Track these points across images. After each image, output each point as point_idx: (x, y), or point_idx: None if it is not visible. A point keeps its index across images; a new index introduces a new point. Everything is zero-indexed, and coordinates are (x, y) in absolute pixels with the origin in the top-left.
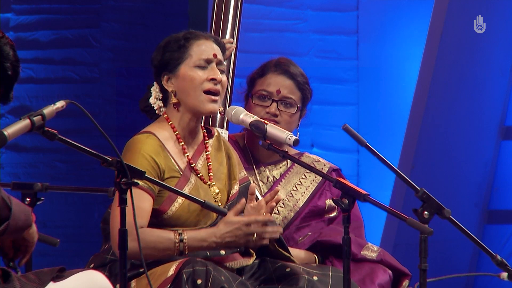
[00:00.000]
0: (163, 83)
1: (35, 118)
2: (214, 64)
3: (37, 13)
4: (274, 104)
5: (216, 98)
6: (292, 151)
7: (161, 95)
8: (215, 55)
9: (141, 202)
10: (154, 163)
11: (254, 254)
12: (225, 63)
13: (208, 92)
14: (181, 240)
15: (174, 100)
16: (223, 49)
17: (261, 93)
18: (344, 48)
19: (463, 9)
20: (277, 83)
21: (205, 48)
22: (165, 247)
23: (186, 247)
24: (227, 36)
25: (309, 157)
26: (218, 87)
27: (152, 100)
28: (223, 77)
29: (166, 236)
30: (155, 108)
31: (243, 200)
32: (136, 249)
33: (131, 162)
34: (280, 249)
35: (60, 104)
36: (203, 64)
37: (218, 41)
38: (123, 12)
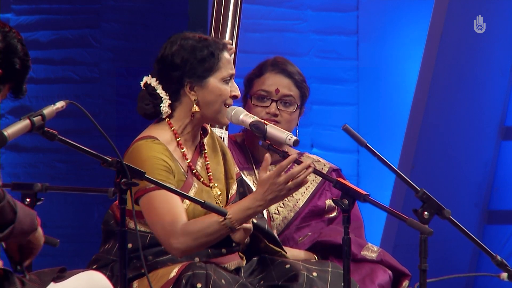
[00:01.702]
0: (186, 90)
1: (35, 119)
2: (233, 79)
3: (37, 13)
4: (274, 104)
5: None
6: (292, 151)
7: (170, 101)
8: (233, 72)
9: (172, 200)
10: (168, 168)
11: (244, 258)
12: None
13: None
14: (225, 218)
15: (196, 109)
16: None
17: (260, 93)
18: (344, 48)
19: (463, 9)
20: (275, 82)
21: (229, 61)
22: (214, 230)
23: (234, 221)
24: (227, 36)
25: (309, 157)
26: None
27: (164, 108)
28: None
29: (210, 220)
30: (164, 115)
31: (268, 155)
32: (187, 245)
33: (145, 168)
34: (271, 245)
35: (60, 104)
36: (229, 79)
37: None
38: (123, 12)
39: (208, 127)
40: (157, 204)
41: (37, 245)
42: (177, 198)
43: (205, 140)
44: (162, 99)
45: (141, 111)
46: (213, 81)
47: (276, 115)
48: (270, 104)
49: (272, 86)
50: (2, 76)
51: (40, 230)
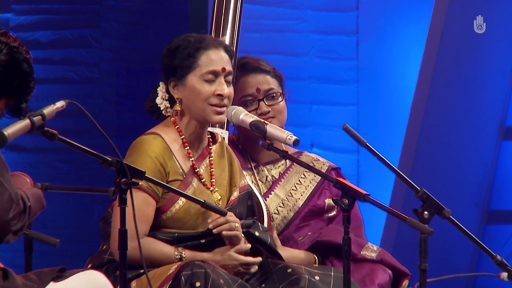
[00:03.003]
0: (169, 89)
1: (35, 118)
2: (222, 78)
3: (37, 13)
4: (262, 103)
5: (222, 110)
6: (291, 150)
7: (167, 95)
8: (223, 69)
9: (145, 207)
10: (160, 166)
11: None
12: (232, 72)
13: (214, 105)
14: (180, 259)
15: (178, 107)
16: (232, 57)
17: (244, 99)
18: (344, 48)
19: (463, 9)
20: (252, 83)
21: (214, 60)
22: (163, 261)
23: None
24: (227, 36)
25: (308, 156)
26: (225, 102)
27: (158, 100)
28: (231, 90)
29: (166, 252)
30: (161, 109)
31: (248, 245)
32: (132, 256)
33: (138, 162)
34: (271, 256)
35: (60, 104)
36: (211, 78)
37: (228, 49)
38: (123, 12)
39: (219, 136)
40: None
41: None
42: (149, 206)
43: (214, 147)
44: (158, 93)
45: (145, 106)
46: (192, 79)
47: (268, 112)
48: (258, 105)
49: (251, 87)
50: None
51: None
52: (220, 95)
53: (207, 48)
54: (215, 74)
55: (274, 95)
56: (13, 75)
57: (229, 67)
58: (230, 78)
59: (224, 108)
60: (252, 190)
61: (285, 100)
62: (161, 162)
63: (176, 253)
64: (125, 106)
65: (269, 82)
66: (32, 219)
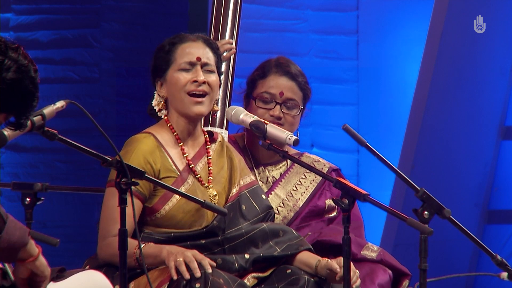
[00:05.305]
0: (157, 90)
1: (35, 118)
2: (198, 66)
3: (37, 13)
4: (278, 107)
5: (201, 99)
6: (292, 151)
7: (161, 99)
8: (198, 58)
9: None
10: (146, 163)
11: None
12: (212, 62)
13: (192, 94)
14: (138, 258)
15: (161, 105)
16: (214, 49)
17: (264, 95)
18: (344, 48)
19: (463, 9)
20: (279, 85)
21: (189, 51)
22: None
23: (141, 260)
24: (227, 36)
25: (309, 157)
26: (203, 88)
27: (154, 102)
28: (211, 77)
29: (131, 250)
30: (156, 110)
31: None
32: (107, 256)
33: (124, 160)
34: None
35: (60, 104)
36: (187, 67)
37: (208, 41)
38: (123, 12)
39: (219, 135)
40: (113, 202)
41: (43, 276)
42: (129, 205)
43: (213, 146)
44: (154, 95)
45: (147, 111)
46: (171, 72)
47: (280, 118)
48: (274, 107)
49: (276, 88)
50: None
51: (43, 260)
52: (195, 81)
53: (182, 42)
54: (191, 64)
55: (293, 106)
56: (16, 93)
57: (205, 58)
58: (210, 67)
59: (203, 98)
60: (258, 186)
61: (301, 116)
62: (148, 159)
63: (135, 251)
64: (125, 106)
65: (294, 91)
66: (9, 251)
